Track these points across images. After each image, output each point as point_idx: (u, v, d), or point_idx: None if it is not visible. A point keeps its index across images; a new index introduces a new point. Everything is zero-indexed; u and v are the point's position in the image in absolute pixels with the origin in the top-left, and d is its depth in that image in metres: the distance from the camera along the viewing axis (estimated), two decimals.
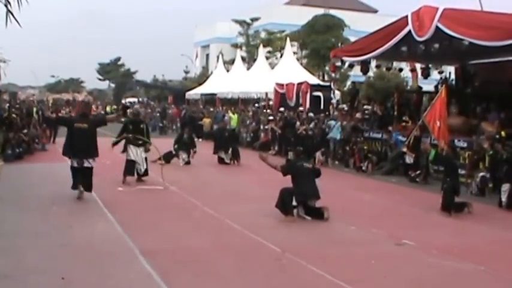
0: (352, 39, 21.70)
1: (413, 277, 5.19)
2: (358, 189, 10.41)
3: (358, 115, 14.21)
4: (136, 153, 9.97)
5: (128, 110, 10.37)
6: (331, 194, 8.18)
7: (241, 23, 38.12)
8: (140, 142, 9.94)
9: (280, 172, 7.58)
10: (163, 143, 11.16)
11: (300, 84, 19.57)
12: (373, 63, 14.69)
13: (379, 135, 13.49)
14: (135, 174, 10.02)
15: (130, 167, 9.90)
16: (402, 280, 5.10)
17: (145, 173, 10.18)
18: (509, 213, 8.33)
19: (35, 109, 17.34)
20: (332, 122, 14.55)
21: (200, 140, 18.51)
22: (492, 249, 6.27)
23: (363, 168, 12.74)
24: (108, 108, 34.22)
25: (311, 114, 16.27)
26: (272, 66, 29.31)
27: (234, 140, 14.61)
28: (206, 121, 21.81)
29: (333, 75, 26.29)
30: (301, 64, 28.92)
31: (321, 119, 15.41)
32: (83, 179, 8.23)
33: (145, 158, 10.16)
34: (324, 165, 13.55)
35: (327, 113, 16.54)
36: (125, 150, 10.11)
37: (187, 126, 15.95)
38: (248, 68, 30.69)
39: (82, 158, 8.22)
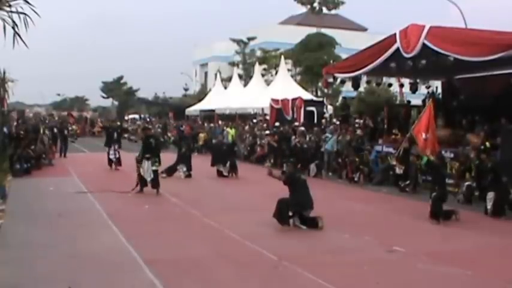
0: (344, 56, 22.27)
1: (403, 282, 5.44)
2: (351, 199, 10.69)
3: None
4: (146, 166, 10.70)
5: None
6: (325, 204, 8.47)
7: (238, 42, 39.01)
8: (148, 156, 10.72)
9: (282, 181, 7.86)
10: (164, 157, 11.47)
11: (294, 99, 20.10)
12: (364, 79, 15.12)
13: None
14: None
15: (143, 179, 10.73)
16: (393, 285, 5.35)
17: (154, 184, 10.63)
18: (495, 220, 8.63)
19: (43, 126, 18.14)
20: (328, 135, 14.93)
21: (196, 153, 18.89)
22: (479, 255, 6.53)
23: (355, 179, 13.04)
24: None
25: (302, 128, 16.65)
26: (268, 83, 29.95)
27: (232, 153, 14.91)
28: (201, 136, 22.16)
29: (326, 90, 26.85)
30: (295, 81, 29.54)
31: (315, 133, 15.82)
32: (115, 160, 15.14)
33: (154, 171, 10.70)
34: (318, 177, 13.93)
35: (322, 127, 16.95)
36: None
37: (183, 140, 16.20)
38: (245, 85, 31.37)
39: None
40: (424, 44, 11.45)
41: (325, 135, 15.09)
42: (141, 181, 10.67)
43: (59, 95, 68.77)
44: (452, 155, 11.42)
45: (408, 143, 11.06)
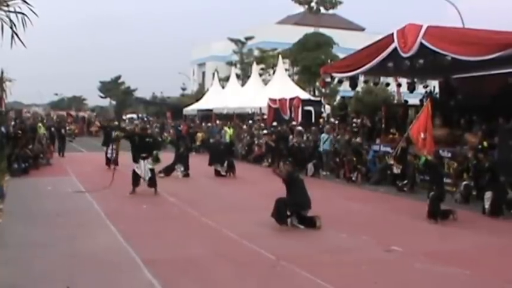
0: (341, 56, 22.30)
1: (401, 282, 5.46)
2: (349, 199, 10.73)
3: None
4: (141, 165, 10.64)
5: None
6: (323, 203, 8.49)
7: (236, 41, 39.03)
8: (145, 155, 10.65)
9: (282, 178, 7.89)
10: (161, 157, 11.48)
11: (292, 99, 20.12)
12: (361, 79, 15.17)
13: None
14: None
15: (136, 178, 10.65)
16: (391, 285, 5.37)
17: (151, 183, 10.62)
18: (493, 220, 8.68)
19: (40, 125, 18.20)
20: (324, 135, 14.95)
21: (194, 153, 18.90)
22: (477, 254, 6.57)
23: (353, 178, 13.07)
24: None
25: (300, 127, 16.68)
26: (265, 82, 29.99)
27: (229, 153, 14.92)
28: (199, 135, 22.16)
29: (323, 90, 26.84)
30: (293, 80, 29.55)
31: (312, 132, 15.85)
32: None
33: (151, 170, 10.68)
34: (315, 176, 13.96)
35: (319, 126, 17.00)
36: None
37: (181, 140, 16.21)
38: (242, 85, 31.33)
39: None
40: (421, 44, 11.50)
41: (322, 135, 15.12)
42: (134, 181, 10.56)
43: (56, 94, 68.93)
44: (449, 155, 11.45)
45: (406, 142, 11.06)
